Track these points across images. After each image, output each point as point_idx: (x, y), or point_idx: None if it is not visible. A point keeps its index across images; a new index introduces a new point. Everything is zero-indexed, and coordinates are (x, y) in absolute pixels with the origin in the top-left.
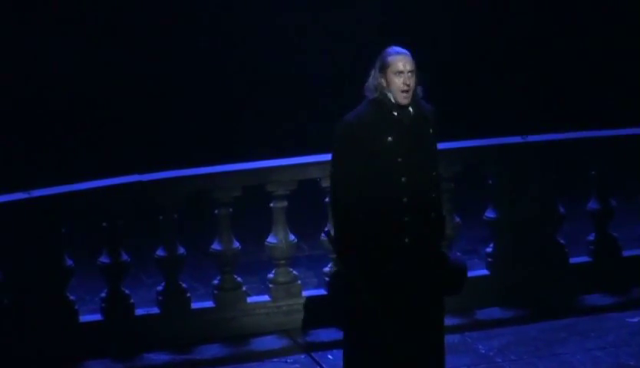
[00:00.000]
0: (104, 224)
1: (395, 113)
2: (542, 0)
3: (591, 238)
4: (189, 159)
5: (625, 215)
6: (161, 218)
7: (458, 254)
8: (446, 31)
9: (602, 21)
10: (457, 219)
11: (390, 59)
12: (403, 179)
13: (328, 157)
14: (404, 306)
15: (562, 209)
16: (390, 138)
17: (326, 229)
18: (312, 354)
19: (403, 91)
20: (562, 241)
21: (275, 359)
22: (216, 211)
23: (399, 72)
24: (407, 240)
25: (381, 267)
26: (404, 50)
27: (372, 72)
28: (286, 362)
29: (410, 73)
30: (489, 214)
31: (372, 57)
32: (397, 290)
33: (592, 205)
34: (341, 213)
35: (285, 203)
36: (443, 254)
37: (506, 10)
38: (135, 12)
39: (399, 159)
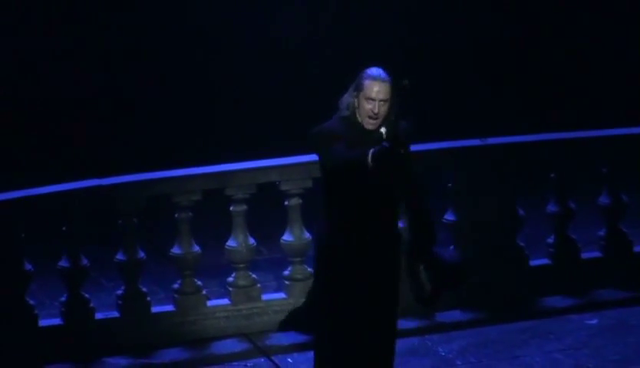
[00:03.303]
0: (64, 228)
1: (366, 131)
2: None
3: (550, 240)
4: (150, 162)
5: (583, 217)
6: (121, 222)
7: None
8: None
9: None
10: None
11: (366, 83)
12: (370, 200)
13: (287, 161)
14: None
15: (521, 212)
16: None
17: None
18: (272, 357)
19: (370, 117)
20: (521, 244)
21: (235, 363)
22: (176, 215)
23: (370, 99)
24: (370, 254)
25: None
26: (382, 76)
27: (349, 87)
28: (246, 365)
29: (381, 102)
30: (449, 217)
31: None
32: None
33: (552, 207)
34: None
35: (244, 207)
36: (437, 255)
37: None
38: (98, 14)
39: (363, 179)
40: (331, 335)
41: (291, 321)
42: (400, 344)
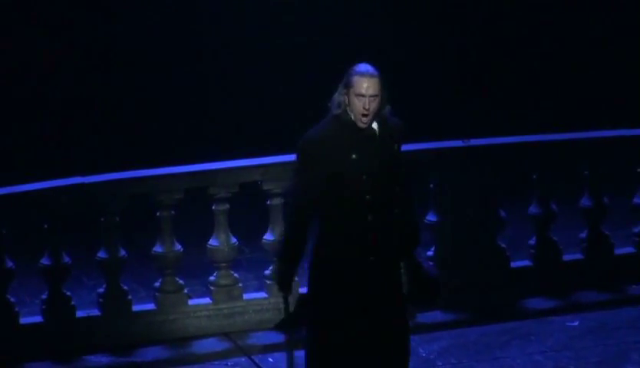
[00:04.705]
0: (45, 225)
1: (360, 130)
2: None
3: (532, 242)
4: (133, 160)
5: (565, 219)
6: (102, 219)
7: (431, 264)
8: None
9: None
10: None
11: (355, 79)
12: (367, 197)
13: (270, 160)
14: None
15: (503, 213)
16: (354, 155)
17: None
18: (253, 357)
19: (362, 114)
20: (503, 245)
21: (216, 362)
22: (158, 214)
23: (360, 95)
24: (372, 258)
25: (343, 286)
26: (370, 72)
27: (339, 86)
28: (227, 364)
29: (372, 98)
30: (431, 218)
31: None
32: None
33: (533, 209)
34: (291, 228)
35: (226, 206)
36: (418, 265)
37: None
38: (76, 14)
39: (364, 177)
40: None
41: (272, 320)
42: None
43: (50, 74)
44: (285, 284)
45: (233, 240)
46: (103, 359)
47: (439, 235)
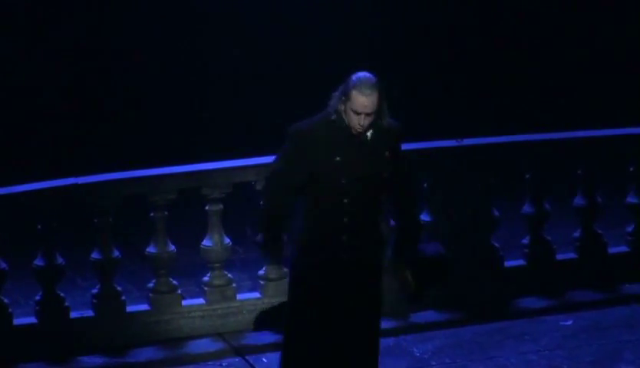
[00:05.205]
0: (39, 226)
1: (350, 136)
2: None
3: (525, 241)
4: (126, 161)
5: (558, 219)
6: (96, 220)
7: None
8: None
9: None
10: (392, 223)
11: (353, 94)
12: (345, 200)
13: (264, 160)
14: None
15: (496, 213)
16: (338, 158)
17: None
18: (247, 357)
19: (355, 129)
20: (496, 245)
21: (210, 362)
22: (152, 214)
23: (356, 112)
24: (343, 256)
25: (313, 276)
26: (369, 89)
27: (339, 89)
28: (221, 365)
29: (367, 115)
30: (424, 217)
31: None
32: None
33: (527, 208)
34: (266, 212)
35: (220, 206)
36: (418, 252)
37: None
38: (61, 12)
39: (343, 181)
40: (298, 341)
41: (265, 321)
42: None
43: (43, 74)
44: (274, 256)
45: (227, 240)
46: (97, 359)
47: (433, 235)
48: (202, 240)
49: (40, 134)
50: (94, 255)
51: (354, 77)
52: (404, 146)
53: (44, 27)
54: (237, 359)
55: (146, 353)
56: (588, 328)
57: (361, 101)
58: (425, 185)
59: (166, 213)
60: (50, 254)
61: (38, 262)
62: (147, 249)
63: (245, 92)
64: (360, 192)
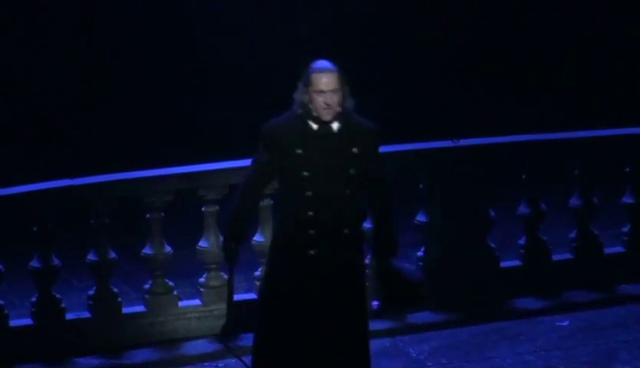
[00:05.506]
0: (35, 228)
1: (314, 127)
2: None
3: (521, 241)
4: (122, 162)
5: (554, 219)
6: (92, 222)
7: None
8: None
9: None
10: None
11: (313, 77)
12: (308, 193)
13: None
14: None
15: (492, 213)
16: (299, 150)
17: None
18: (243, 358)
19: (324, 109)
20: (492, 245)
21: (207, 363)
22: (148, 216)
23: (320, 91)
24: (311, 252)
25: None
26: (328, 67)
27: (299, 84)
28: (217, 366)
29: (331, 92)
30: (420, 218)
31: None
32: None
33: (523, 208)
34: (233, 212)
35: (216, 207)
36: (390, 270)
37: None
38: (56, 14)
39: (305, 173)
40: (267, 339)
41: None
42: (371, 345)
43: (38, 76)
44: (229, 255)
45: None
46: (94, 361)
47: (428, 236)
48: (198, 241)
49: (35, 135)
50: (90, 256)
51: (311, 64)
52: (400, 146)
53: (44, 27)
54: (233, 361)
55: (142, 355)
56: (585, 328)
57: (323, 80)
58: (421, 185)
59: (162, 214)
60: (46, 255)
61: (34, 263)
62: (143, 250)
63: (243, 93)
64: (324, 186)
